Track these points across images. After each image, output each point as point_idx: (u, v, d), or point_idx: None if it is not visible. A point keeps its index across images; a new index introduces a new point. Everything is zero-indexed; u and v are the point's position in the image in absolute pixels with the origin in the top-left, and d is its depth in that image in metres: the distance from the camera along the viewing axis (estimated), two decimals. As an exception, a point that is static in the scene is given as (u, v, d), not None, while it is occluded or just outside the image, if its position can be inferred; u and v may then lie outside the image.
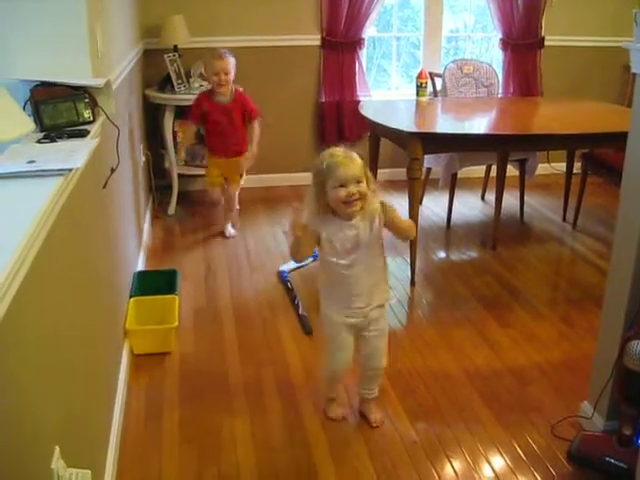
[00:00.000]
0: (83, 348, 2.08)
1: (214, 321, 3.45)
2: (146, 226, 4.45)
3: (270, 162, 5.37)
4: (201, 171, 4.82)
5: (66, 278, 1.91)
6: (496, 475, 2.42)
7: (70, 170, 1.73)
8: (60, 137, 2.10)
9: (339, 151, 2.31)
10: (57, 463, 1.52)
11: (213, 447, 2.53)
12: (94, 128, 2.24)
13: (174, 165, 4.85)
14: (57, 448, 1.55)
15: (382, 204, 2.39)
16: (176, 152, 4.88)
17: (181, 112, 4.77)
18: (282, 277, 3.88)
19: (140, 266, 3.88)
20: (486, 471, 2.44)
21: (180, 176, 4.91)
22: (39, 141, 2.06)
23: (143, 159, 4.51)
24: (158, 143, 4.97)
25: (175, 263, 4.04)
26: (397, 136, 3.81)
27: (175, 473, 2.40)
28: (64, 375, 1.80)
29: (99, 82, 2.33)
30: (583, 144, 4.24)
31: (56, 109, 2.22)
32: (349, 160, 2.28)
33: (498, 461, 2.49)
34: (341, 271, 2.38)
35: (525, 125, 4.12)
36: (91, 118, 2.30)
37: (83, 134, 2.14)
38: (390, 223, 2.41)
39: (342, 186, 2.24)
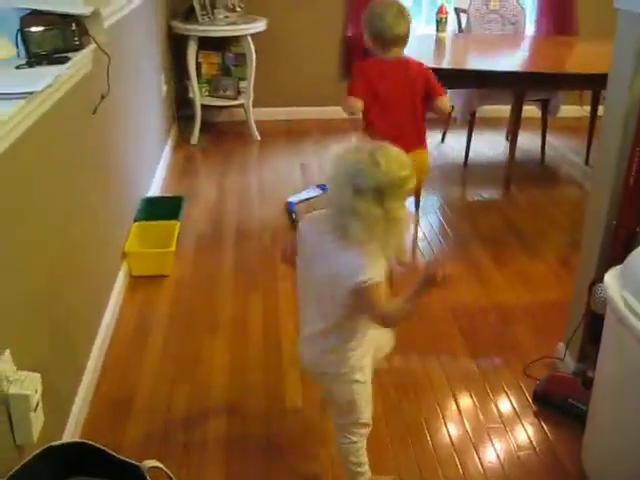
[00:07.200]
0: (74, 260, 2.26)
1: (215, 247, 3.56)
2: (166, 153, 4.56)
3: (295, 95, 5.40)
4: (225, 102, 4.90)
5: (46, 192, 2.06)
6: (458, 408, 2.48)
7: (31, 93, 1.81)
8: (39, 63, 2.17)
9: None
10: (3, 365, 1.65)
11: (189, 367, 2.66)
12: (78, 56, 2.31)
13: (197, 95, 4.92)
14: (7, 351, 1.68)
15: None
16: (200, 83, 4.95)
17: (204, 43, 4.82)
18: (289, 208, 3.96)
19: (154, 191, 3.99)
20: (450, 404, 2.50)
21: (204, 107, 4.99)
22: (18, 67, 2.14)
23: (164, 88, 4.59)
24: (183, 74, 5.03)
25: (190, 190, 4.16)
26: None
27: (150, 386, 2.55)
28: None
29: (86, 10, 2.39)
30: (600, 85, 4.13)
31: (43, 36, 2.29)
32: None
33: (464, 396, 2.54)
34: None
35: (541, 63, 4.01)
36: (79, 45, 2.37)
37: (63, 61, 2.22)
38: None
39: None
